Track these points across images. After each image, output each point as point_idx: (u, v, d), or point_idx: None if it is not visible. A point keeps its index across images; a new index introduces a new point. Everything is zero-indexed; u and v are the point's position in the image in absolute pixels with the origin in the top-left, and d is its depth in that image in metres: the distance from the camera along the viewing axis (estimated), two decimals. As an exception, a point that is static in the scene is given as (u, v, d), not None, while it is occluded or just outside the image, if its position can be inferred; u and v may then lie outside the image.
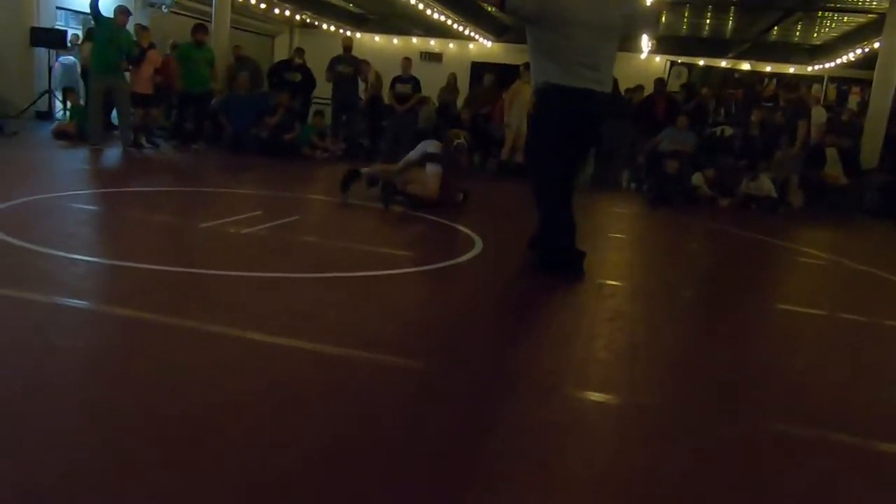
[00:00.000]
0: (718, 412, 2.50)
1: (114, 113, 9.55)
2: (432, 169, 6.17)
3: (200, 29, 10.15)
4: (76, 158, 8.15)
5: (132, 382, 2.30)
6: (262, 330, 2.83)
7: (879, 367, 3.31)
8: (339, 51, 11.57)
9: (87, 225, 4.86)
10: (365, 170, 6.48)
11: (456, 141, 6.33)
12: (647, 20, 4.46)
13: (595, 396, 2.52)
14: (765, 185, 8.90)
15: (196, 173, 8.17)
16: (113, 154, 8.61)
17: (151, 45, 9.89)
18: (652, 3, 5.32)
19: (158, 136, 10.12)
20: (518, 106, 9.73)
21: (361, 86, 11.77)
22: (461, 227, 5.60)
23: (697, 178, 9.03)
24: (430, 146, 6.41)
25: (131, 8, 11.59)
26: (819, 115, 10.24)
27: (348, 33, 17.16)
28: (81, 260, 3.70)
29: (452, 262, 4.51)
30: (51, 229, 4.47)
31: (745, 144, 9.95)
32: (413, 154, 6.45)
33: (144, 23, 12.51)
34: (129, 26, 9.37)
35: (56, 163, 7.91)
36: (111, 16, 8.82)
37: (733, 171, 9.27)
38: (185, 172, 8.16)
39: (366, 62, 11.93)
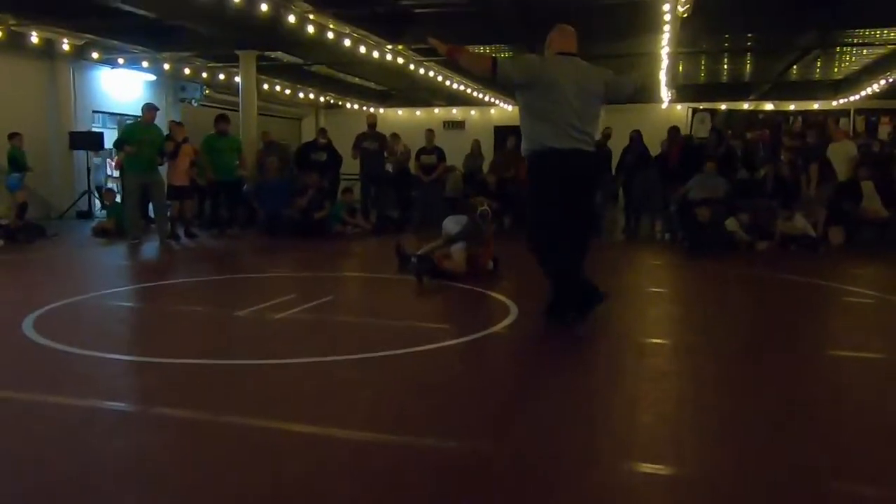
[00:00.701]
0: (773, 481, 2.36)
1: (150, 206, 9.83)
2: (456, 248, 6.31)
3: (222, 119, 10.46)
4: (115, 255, 8.36)
5: (167, 482, 2.27)
6: (295, 419, 2.80)
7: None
8: (364, 127, 11.83)
9: (123, 323, 4.94)
10: (420, 251, 6.48)
11: (480, 209, 6.38)
12: (626, 88, 4.71)
13: (642, 468, 2.41)
14: (798, 223, 8.74)
15: (231, 260, 8.30)
16: (151, 247, 8.81)
17: (186, 140, 10.14)
18: (630, 76, 5.72)
19: (195, 225, 10.34)
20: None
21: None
22: (495, 294, 5.55)
23: (731, 224, 8.88)
24: (452, 225, 6.51)
25: (162, 103, 12.08)
26: (847, 149, 10.05)
27: (372, 110, 17.65)
28: (118, 359, 3.74)
29: (488, 331, 4.45)
30: (88, 330, 4.55)
31: (777, 184, 9.81)
32: (444, 231, 6.57)
33: (177, 117, 13.00)
34: (163, 122, 9.69)
35: (95, 261, 8.12)
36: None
37: (768, 213, 9.11)
38: (221, 260, 8.29)
39: (394, 135, 12.19)
